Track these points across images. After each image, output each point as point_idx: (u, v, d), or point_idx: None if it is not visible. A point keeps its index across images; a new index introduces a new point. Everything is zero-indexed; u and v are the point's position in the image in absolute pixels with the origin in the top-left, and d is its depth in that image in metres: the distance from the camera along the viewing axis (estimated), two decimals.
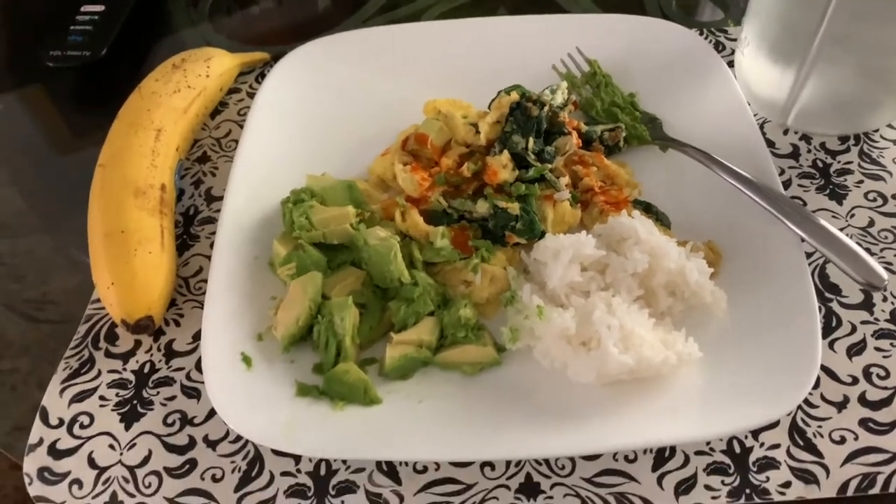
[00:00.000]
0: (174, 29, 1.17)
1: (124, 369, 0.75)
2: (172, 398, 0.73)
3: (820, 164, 0.87)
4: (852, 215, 0.82)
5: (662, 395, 0.68)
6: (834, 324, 0.74)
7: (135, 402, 0.72)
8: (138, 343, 0.77)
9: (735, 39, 1.02)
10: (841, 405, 0.69)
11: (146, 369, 0.75)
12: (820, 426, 0.68)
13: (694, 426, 0.66)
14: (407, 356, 0.71)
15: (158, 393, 0.73)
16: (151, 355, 0.76)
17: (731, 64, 0.94)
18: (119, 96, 0.92)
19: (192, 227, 0.87)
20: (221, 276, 0.76)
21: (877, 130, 0.90)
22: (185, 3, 1.20)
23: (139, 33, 1.14)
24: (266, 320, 0.74)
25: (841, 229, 0.80)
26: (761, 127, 0.91)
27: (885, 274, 0.69)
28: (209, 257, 0.80)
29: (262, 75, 1.04)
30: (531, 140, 0.82)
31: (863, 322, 0.74)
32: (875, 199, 0.83)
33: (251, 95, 1.01)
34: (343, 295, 0.74)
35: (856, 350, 0.72)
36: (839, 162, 0.87)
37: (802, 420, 0.68)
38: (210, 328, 0.72)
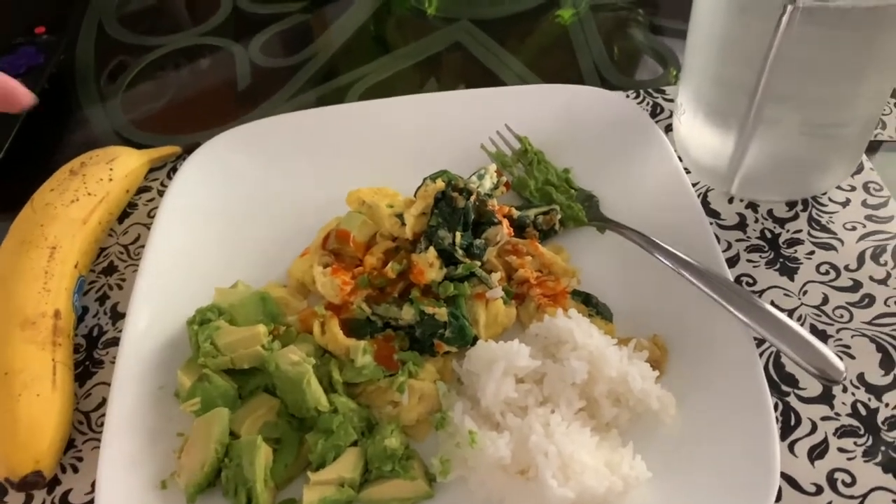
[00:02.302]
0: (82, 123, 1.09)
1: None
2: None
3: (768, 235, 0.82)
4: (805, 292, 0.77)
5: None
6: (793, 422, 0.68)
7: None
8: (29, 497, 0.69)
9: (673, 100, 0.97)
10: None
11: None
12: None
13: None
14: (327, 499, 0.63)
15: None
16: None
17: (669, 128, 0.89)
18: (16, 206, 0.85)
19: (95, 351, 0.80)
20: (120, 411, 0.69)
21: (825, 193, 0.85)
22: (97, 92, 1.13)
23: (43, 129, 1.06)
24: (171, 463, 0.67)
25: (793, 310, 0.75)
26: (705, 196, 0.86)
27: (841, 365, 0.63)
28: None
29: (175, 170, 0.97)
30: (458, 234, 0.75)
31: (823, 418, 0.68)
32: (828, 272, 0.78)
33: (162, 193, 0.94)
34: (255, 430, 0.67)
35: (818, 452, 0.66)
36: (788, 231, 0.82)
37: None
38: (106, 477, 0.64)
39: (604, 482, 0.60)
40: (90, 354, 0.79)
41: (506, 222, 0.79)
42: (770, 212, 0.84)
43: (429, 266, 0.75)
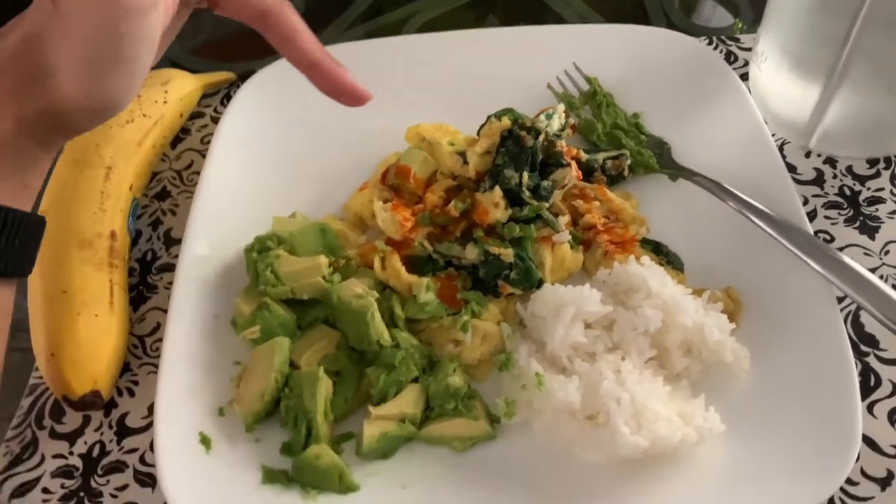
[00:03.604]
0: None
1: (71, 453, 0.66)
2: (124, 488, 0.64)
3: (847, 192, 0.79)
4: (887, 252, 0.73)
5: (680, 475, 0.60)
6: (872, 383, 0.65)
7: (81, 494, 0.64)
8: (87, 419, 0.68)
9: (748, 49, 0.92)
10: (884, 482, 0.60)
11: (95, 452, 0.66)
12: None
13: None
14: (387, 434, 0.62)
15: (108, 482, 0.64)
16: (102, 434, 0.67)
17: (744, 77, 0.85)
18: None
19: (149, 276, 0.78)
20: (177, 340, 0.67)
21: None
22: None
23: None
24: (228, 392, 0.66)
25: (874, 269, 0.72)
26: (780, 149, 0.82)
27: None
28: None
29: (228, 97, 0.94)
30: (525, 174, 0.73)
31: None
32: None
33: (216, 120, 0.91)
34: (314, 361, 0.65)
35: None
36: (869, 189, 0.79)
37: (841, 500, 0.60)
38: (164, 404, 0.63)
39: (677, 432, 0.58)
40: (144, 279, 0.78)
41: (574, 165, 0.76)
42: (849, 168, 0.81)
43: (494, 206, 0.72)
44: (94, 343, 0.67)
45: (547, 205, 0.73)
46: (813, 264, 0.66)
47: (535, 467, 0.62)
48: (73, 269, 0.69)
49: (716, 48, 0.93)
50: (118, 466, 0.65)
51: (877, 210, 0.77)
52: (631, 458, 0.59)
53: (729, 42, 0.94)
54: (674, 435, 0.58)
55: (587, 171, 0.79)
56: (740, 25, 0.99)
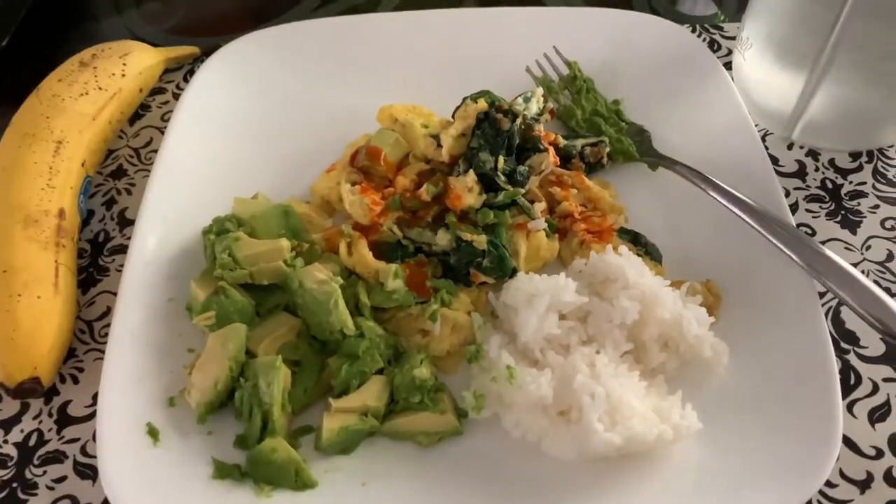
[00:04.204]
0: (93, 16, 1.01)
1: (6, 441, 0.62)
2: (62, 479, 0.60)
3: (829, 185, 0.77)
4: (868, 247, 0.71)
5: (654, 474, 0.57)
6: (852, 381, 0.63)
7: (15, 485, 0.59)
8: (25, 406, 0.64)
9: (731, 38, 0.90)
10: (864, 485, 0.58)
11: (32, 441, 0.62)
12: None
13: None
14: (348, 428, 0.58)
15: (45, 473, 0.60)
16: (40, 422, 0.63)
17: (727, 67, 0.83)
18: (18, 98, 0.78)
19: (100, 258, 0.74)
20: (126, 324, 0.63)
21: (892, 146, 0.79)
22: None
23: (50, 21, 0.99)
24: (180, 380, 0.62)
25: (855, 264, 0.70)
26: (762, 141, 0.80)
27: None
28: None
29: (192, 73, 0.89)
30: (501, 158, 0.69)
31: (885, 379, 0.63)
32: (893, 228, 0.73)
33: (178, 97, 0.86)
34: (272, 350, 0.61)
35: (879, 415, 0.61)
36: (851, 182, 0.77)
37: (819, 502, 0.58)
38: (109, 392, 0.60)
39: (653, 429, 0.55)
40: (95, 261, 0.74)
41: (552, 150, 0.73)
42: (832, 161, 0.79)
43: (467, 190, 0.69)
44: (35, 326, 0.62)
45: (523, 191, 0.70)
46: (795, 258, 0.63)
47: (504, 464, 0.59)
48: (16, 248, 0.65)
49: (699, 36, 0.90)
50: (57, 457, 0.61)
51: (859, 204, 0.75)
52: (604, 455, 0.56)
53: (712, 30, 0.92)
54: (649, 432, 0.55)
55: (565, 158, 0.76)
56: (721, 17, 0.97)
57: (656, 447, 0.56)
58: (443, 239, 0.68)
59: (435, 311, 0.63)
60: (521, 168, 0.71)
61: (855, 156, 0.79)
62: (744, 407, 0.60)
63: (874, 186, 0.76)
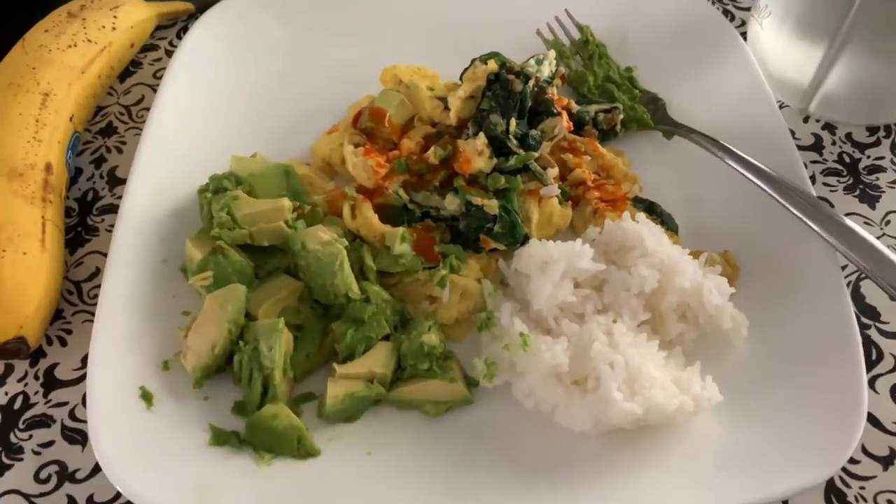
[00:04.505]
0: None
1: None
2: (49, 444, 0.57)
3: (847, 159, 0.75)
4: (888, 222, 0.70)
5: (673, 449, 0.55)
6: (874, 356, 0.62)
7: None
8: (9, 368, 0.60)
9: (746, 9, 0.88)
10: (887, 461, 0.57)
11: (17, 404, 0.59)
12: (863, 487, 0.56)
13: (712, 492, 0.52)
14: (353, 395, 0.56)
15: (31, 437, 0.57)
16: (26, 385, 0.60)
17: (742, 36, 0.80)
18: (2, 49, 0.74)
19: (89, 217, 0.71)
20: (118, 284, 0.60)
21: None
22: None
23: None
24: (175, 343, 0.59)
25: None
26: None
27: None
28: None
29: (186, 30, 0.85)
30: (513, 121, 0.67)
31: None
32: None
33: (171, 55, 0.83)
34: (273, 314, 0.58)
35: None
36: (869, 157, 0.75)
37: (841, 479, 0.56)
38: (100, 353, 0.57)
39: (673, 400, 0.53)
40: (83, 220, 0.70)
41: (565, 115, 0.70)
42: (849, 135, 0.77)
43: (477, 154, 0.66)
44: (20, 284, 0.59)
45: (535, 155, 0.67)
46: (817, 229, 0.61)
47: (515, 435, 0.57)
48: (1, 201, 0.61)
49: (713, 3, 0.88)
50: (43, 421, 0.58)
51: (877, 179, 0.73)
52: (621, 426, 0.54)
53: (726, 0, 0.89)
54: (670, 403, 0.53)
55: (578, 125, 0.73)
56: None
57: (675, 419, 0.54)
58: (451, 203, 0.65)
59: (444, 277, 0.61)
60: (534, 132, 0.68)
61: (872, 130, 0.77)
62: (764, 381, 0.58)
63: (892, 161, 0.74)
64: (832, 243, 0.61)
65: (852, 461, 0.56)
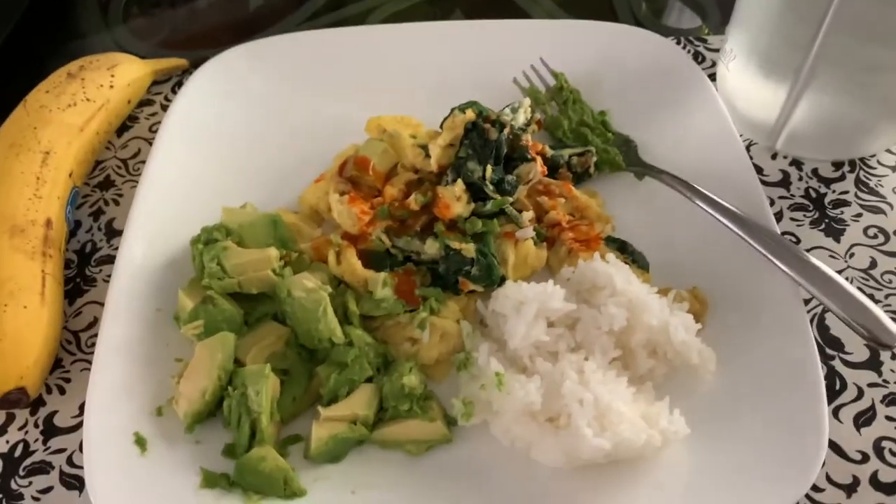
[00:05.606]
0: (81, 31, 1.01)
1: None
2: (48, 490, 0.59)
3: (813, 194, 0.78)
4: (852, 255, 0.72)
5: (642, 480, 0.57)
6: (838, 386, 0.64)
7: (0, 496, 0.59)
8: (11, 417, 0.63)
9: (716, 50, 0.91)
10: (850, 489, 0.59)
11: (18, 452, 0.61)
12: None
13: None
14: (337, 436, 0.58)
15: (31, 483, 0.60)
16: (26, 433, 0.62)
17: (711, 78, 0.84)
18: (5, 111, 0.78)
19: (87, 268, 0.74)
20: (114, 333, 0.63)
21: (874, 156, 0.81)
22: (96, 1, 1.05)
23: (38, 36, 0.99)
24: (167, 389, 0.61)
25: (840, 272, 0.71)
26: (746, 150, 0.81)
27: (895, 329, 0.59)
28: None
29: (181, 85, 0.90)
30: (489, 168, 0.70)
31: (870, 384, 0.64)
32: (876, 236, 0.74)
33: (166, 109, 0.87)
34: (261, 359, 0.61)
35: (864, 420, 0.62)
36: (834, 191, 0.78)
37: None
38: (96, 400, 0.59)
39: (641, 435, 0.55)
40: (81, 271, 0.73)
41: (539, 160, 0.73)
42: (815, 171, 0.80)
43: (456, 199, 0.69)
44: (21, 336, 0.62)
45: (511, 199, 0.70)
46: (781, 265, 0.64)
47: (493, 472, 0.59)
48: (2, 257, 0.65)
49: (684, 48, 0.92)
50: (42, 467, 0.60)
51: (842, 213, 0.76)
52: (592, 461, 0.56)
53: (696, 42, 0.93)
54: (638, 438, 0.55)
55: (552, 168, 0.77)
56: (706, 30, 0.98)
57: (645, 453, 0.56)
58: (431, 248, 0.68)
59: (424, 319, 0.64)
60: (509, 177, 0.71)
61: (837, 165, 0.80)
62: (731, 413, 0.60)
63: (856, 195, 0.77)
64: (795, 279, 0.63)
65: (816, 489, 0.58)
